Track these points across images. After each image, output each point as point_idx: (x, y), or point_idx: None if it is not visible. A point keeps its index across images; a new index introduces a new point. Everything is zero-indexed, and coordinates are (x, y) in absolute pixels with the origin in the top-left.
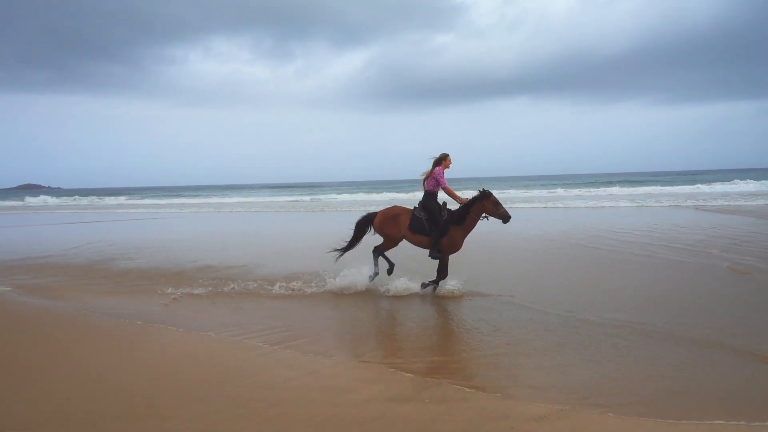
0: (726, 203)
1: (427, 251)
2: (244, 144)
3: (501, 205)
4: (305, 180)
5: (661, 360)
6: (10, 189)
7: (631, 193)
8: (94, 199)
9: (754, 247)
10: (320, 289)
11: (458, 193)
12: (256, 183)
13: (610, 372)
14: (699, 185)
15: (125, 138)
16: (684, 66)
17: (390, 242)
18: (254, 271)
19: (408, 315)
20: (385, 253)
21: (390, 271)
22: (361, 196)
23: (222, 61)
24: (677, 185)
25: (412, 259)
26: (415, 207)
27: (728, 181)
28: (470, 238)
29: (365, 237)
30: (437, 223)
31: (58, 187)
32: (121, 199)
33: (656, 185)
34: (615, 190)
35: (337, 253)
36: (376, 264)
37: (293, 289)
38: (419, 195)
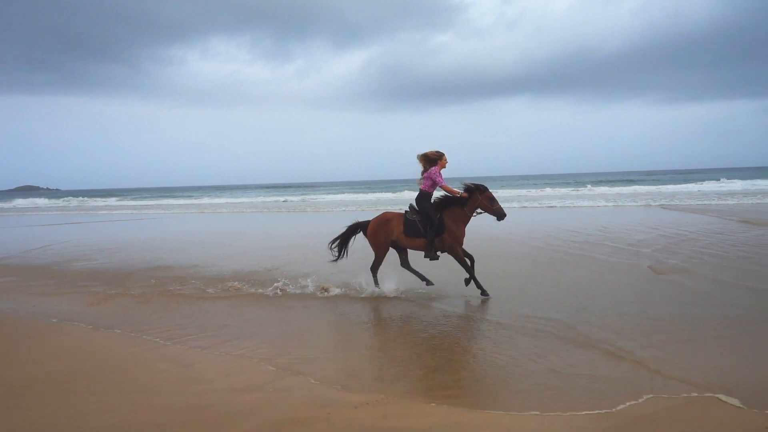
0: (699, 202)
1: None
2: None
3: (496, 201)
4: (303, 180)
5: (515, 353)
6: (9, 191)
7: (618, 192)
8: (84, 200)
9: (689, 246)
10: (257, 290)
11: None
12: (254, 183)
13: (442, 365)
14: (687, 184)
15: (124, 139)
16: (684, 65)
17: (380, 251)
18: (203, 271)
19: (306, 315)
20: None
21: (427, 282)
22: (353, 197)
23: (221, 62)
24: (668, 184)
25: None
26: (406, 211)
27: (719, 180)
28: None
29: (354, 241)
30: (432, 223)
31: (57, 189)
32: (111, 201)
33: (646, 185)
34: (604, 189)
35: (334, 256)
36: (377, 281)
37: (237, 288)
38: (407, 195)
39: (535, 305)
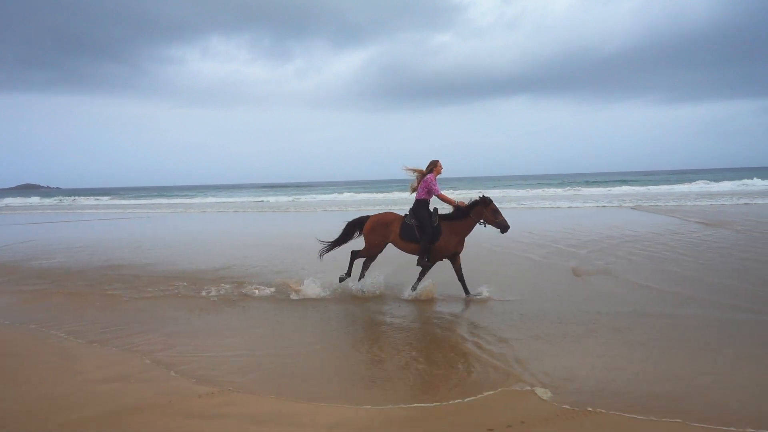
0: (675, 203)
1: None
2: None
3: (500, 213)
4: (303, 179)
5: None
6: (10, 189)
7: (606, 193)
8: (75, 199)
9: (626, 248)
10: (193, 291)
11: (452, 197)
12: (252, 183)
13: (302, 361)
14: (679, 185)
15: (125, 138)
16: (684, 65)
17: (372, 250)
18: (153, 270)
19: (222, 315)
20: (365, 263)
21: (342, 279)
22: (344, 197)
23: (221, 61)
24: (661, 185)
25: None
26: (405, 214)
27: (715, 181)
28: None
29: (355, 239)
30: (426, 231)
31: (57, 187)
32: (104, 200)
33: (638, 185)
34: (593, 190)
35: (324, 250)
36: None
37: (172, 287)
38: (396, 195)
39: (438, 304)
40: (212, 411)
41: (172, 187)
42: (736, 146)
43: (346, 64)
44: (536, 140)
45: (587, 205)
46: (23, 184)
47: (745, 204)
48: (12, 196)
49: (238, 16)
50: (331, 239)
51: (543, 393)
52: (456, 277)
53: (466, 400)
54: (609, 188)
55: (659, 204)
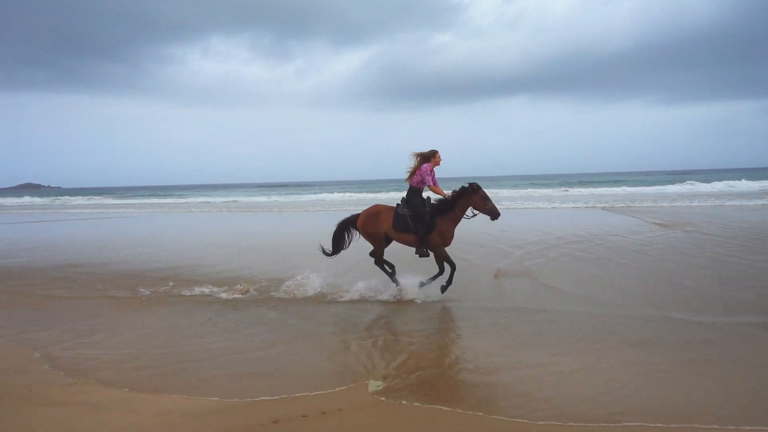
0: (651, 205)
1: (414, 249)
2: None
3: (490, 200)
4: (301, 179)
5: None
6: (10, 188)
7: (592, 193)
8: (68, 199)
9: (563, 249)
10: (127, 292)
11: (447, 192)
12: (251, 183)
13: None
14: (670, 185)
15: (125, 137)
16: (685, 65)
17: (377, 241)
18: (105, 269)
19: (135, 315)
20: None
21: (395, 281)
22: (337, 197)
23: (220, 61)
24: (652, 186)
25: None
26: (398, 204)
27: (706, 182)
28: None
29: (354, 240)
30: (422, 220)
31: (58, 186)
32: (96, 199)
33: (628, 185)
34: (582, 190)
35: (328, 253)
36: (391, 274)
37: (116, 285)
38: (387, 195)
39: (340, 306)
40: (63, 399)
41: (171, 187)
42: (736, 146)
43: (346, 63)
44: (536, 140)
45: (565, 205)
46: (24, 184)
47: (719, 206)
48: (11, 196)
49: (237, 16)
50: (326, 242)
51: (374, 386)
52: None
53: (313, 393)
54: (598, 189)
55: (635, 205)
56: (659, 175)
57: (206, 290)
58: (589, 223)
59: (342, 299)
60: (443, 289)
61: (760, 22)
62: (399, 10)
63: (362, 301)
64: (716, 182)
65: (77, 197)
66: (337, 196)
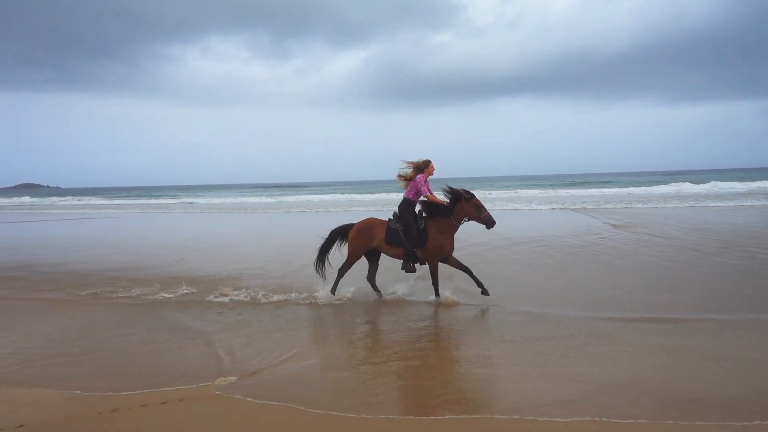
0: (625, 206)
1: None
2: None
3: (484, 208)
4: (300, 179)
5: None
6: (10, 188)
7: (576, 194)
8: (56, 200)
9: (502, 252)
10: (64, 294)
11: (442, 198)
12: (250, 183)
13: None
14: (655, 186)
15: (124, 137)
16: (684, 66)
17: (354, 257)
18: (57, 269)
19: (52, 314)
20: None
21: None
22: (335, 197)
23: (220, 60)
24: (641, 186)
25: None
26: (390, 219)
27: (700, 183)
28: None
29: (338, 248)
30: (410, 234)
31: (57, 187)
32: (85, 200)
33: (617, 186)
34: (574, 191)
35: (318, 263)
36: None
37: (57, 287)
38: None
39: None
40: None
41: (169, 187)
42: (736, 147)
43: (346, 63)
44: (536, 140)
45: (542, 207)
46: (23, 184)
47: (691, 207)
48: (8, 197)
49: (236, 15)
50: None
51: (223, 381)
52: (430, 278)
53: (159, 390)
54: (587, 190)
55: (607, 206)
56: (656, 176)
57: (140, 291)
58: (549, 225)
59: (267, 301)
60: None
61: (760, 23)
62: (398, 9)
63: (254, 303)
64: (704, 184)
65: (66, 197)
66: (327, 197)
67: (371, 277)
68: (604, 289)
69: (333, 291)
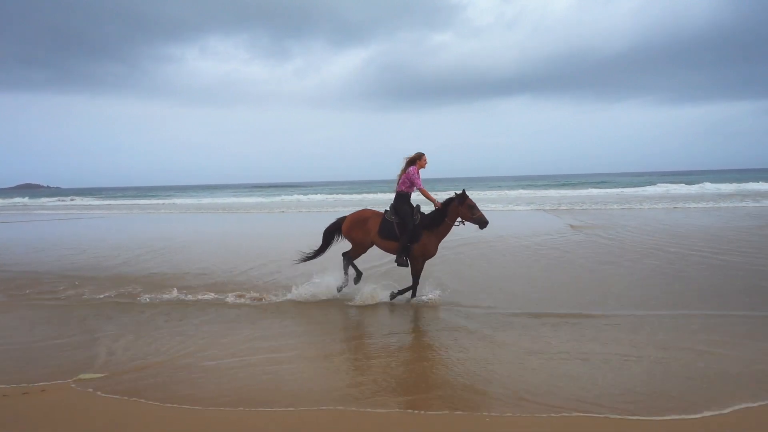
0: (600, 207)
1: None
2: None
3: (477, 208)
4: (300, 180)
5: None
6: (10, 188)
7: (568, 194)
8: (45, 201)
9: (450, 252)
10: (6, 296)
11: (435, 195)
12: (249, 183)
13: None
14: (642, 187)
15: (124, 137)
16: (685, 66)
17: (359, 248)
18: (20, 269)
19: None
20: (355, 260)
21: (357, 280)
22: (336, 197)
23: (219, 60)
24: (628, 187)
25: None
26: (386, 210)
27: (697, 183)
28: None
29: (334, 245)
30: (407, 227)
31: (57, 187)
32: (78, 200)
33: (608, 187)
34: (566, 191)
35: (302, 257)
36: (345, 272)
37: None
38: (380, 196)
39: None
40: None
41: (167, 187)
42: (736, 147)
43: (346, 63)
44: (536, 140)
45: (519, 207)
46: (24, 184)
47: (664, 209)
48: (7, 197)
49: (236, 15)
50: (314, 248)
51: (85, 375)
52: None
53: (52, 382)
54: (575, 190)
55: (579, 207)
56: (654, 176)
57: (74, 292)
58: (511, 226)
59: (194, 299)
60: (393, 295)
61: (760, 23)
62: (398, 9)
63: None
64: (694, 185)
65: (55, 198)
66: (319, 197)
67: (350, 259)
68: (524, 288)
69: (345, 271)
